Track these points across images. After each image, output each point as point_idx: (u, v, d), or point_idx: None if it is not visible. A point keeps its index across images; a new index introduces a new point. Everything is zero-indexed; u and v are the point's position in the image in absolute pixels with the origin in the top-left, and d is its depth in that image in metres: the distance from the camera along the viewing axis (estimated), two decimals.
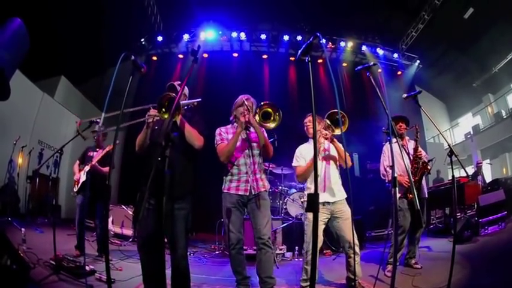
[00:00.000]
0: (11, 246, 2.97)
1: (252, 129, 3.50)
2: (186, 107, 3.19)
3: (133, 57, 2.32)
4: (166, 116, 2.67)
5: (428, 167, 4.49)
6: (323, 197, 3.62)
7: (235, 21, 12.42)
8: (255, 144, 3.53)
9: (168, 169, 1.63)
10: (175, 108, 2.11)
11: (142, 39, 12.58)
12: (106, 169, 5.18)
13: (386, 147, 4.72)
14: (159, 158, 1.66)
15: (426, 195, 4.64)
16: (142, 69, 2.43)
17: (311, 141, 3.87)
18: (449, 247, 4.13)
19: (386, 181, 4.65)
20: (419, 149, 4.52)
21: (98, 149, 5.37)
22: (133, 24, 11.92)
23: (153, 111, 2.83)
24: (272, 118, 3.36)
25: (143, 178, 1.81)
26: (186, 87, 3.27)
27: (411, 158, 4.48)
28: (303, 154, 3.84)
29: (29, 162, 8.43)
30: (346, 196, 3.70)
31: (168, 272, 2.84)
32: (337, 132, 3.59)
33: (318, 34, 1.92)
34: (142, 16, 12.32)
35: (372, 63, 2.79)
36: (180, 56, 12.70)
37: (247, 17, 12.51)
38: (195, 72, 12.03)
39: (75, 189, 5.29)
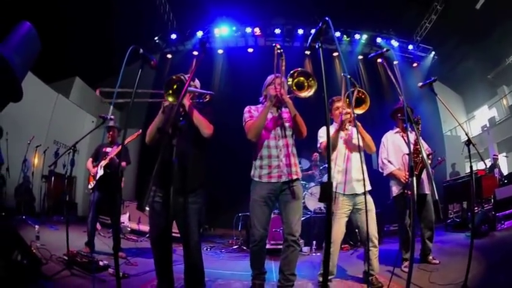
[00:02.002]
0: (22, 242, 3.01)
1: (284, 109, 3.30)
2: (197, 100, 3.12)
3: (141, 50, 2.28)
4: (171, 99, 2.62)
5: (429, 161, 4.30)
6: (346, 189, 3.52)
7: (249, 17, 12.39)
8: (287, 124, 3.27)
9: (176, 158, 1.58)
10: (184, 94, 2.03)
11: (156, 38, 12.65)
12: (123, 164, 5.09)
13: (385, 138, 4.54)
14: (166, 147, 1.61)
15: (427, 192, 4.31)
16: (152, 62, 2.37)
17: (335, 125, 3.67)
18: (467, 242, 4.03)
19: (384, 174, 4.46)
20: (421, 141, 4.34)
21: (113, 145, 5.27)
22: (145, 24, 12.00)
23: None
24: (307, 85, 3.04)
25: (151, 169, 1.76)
26: (197, 81, 3.20)
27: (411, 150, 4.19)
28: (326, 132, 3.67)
29: (44, 162, 8.58)
30: (370, 188, 3.57)
31: (183, 266, 2.85)
32: (359, 111, 3.42)
33: (327, 19, 1.87)
34: (154, 15, 12.38)
35: (384, 49, 2.72)
36: (195, 52, 12.68)
37: (261, 12, 12.45)
38: (212, 69, 12.27)
39: (90, 186, 5.26)
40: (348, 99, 3.48)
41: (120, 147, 5.11)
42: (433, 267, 4.03)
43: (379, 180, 3.72)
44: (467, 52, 13.69)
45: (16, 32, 2.02)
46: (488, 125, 14.47)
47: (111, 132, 5.30)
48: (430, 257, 4.32)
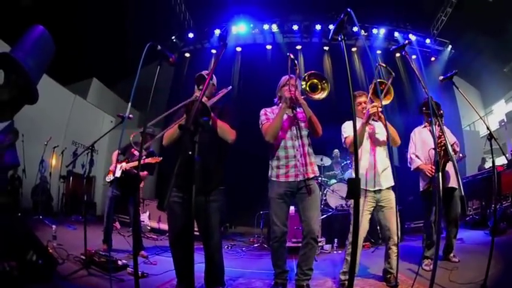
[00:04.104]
0: (37, 242, 3.02)
1: (298, 109, 3.34)
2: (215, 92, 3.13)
3: (159, 47, 2.25)
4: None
5: (452, 155, 4.21)
6: (370, 185, 3.46)
7: (266, 13, 12.32)
8: (303, 124, 3.30)
9: (198, 156, 1.54)
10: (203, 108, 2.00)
11: (173, 37, 12.68)
12: (142, 173, 5.11)
13: (413, 133, 4.47)
14: (188, 145, 1.56)
15: (454, 185, 4.13)
16: (171, 59, 2.33)
17: (358, 119, 3.56)
18: (486, 239, 3.91)
19: (412, 169, 4.38)
20: (444, 135, 4.24)
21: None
22: (162, 23, 12.04)
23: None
24: (320, 87, 3.16)
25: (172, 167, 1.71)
26: (214, 77, 3.13)
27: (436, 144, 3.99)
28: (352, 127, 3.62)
29: (62, 162, 8.70)
30: (393, 184, 3.50)
31: (202, 265, 2.83)
32: (386, 102, 3.40)
33: (349, 10, 1.81)
34: (170, 15, 12.42)
35: (406, 41, 2.68)
36: (213, 51, 12.64)
37: (278, 9, 12.40)
38: (230, 67, 12.25)
39: (108, 180, 5.29)
40: (375, 90, 3.45)
41: (145, 160, 5.00)
42: (453, 266, 3.93)
43: (400, 177, 3.62)
44: (484, 45, 13.40)
45: (29, 36, 2.04)
46: (505, 120, 14.11)
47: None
48: (451, 255, 4.23)
